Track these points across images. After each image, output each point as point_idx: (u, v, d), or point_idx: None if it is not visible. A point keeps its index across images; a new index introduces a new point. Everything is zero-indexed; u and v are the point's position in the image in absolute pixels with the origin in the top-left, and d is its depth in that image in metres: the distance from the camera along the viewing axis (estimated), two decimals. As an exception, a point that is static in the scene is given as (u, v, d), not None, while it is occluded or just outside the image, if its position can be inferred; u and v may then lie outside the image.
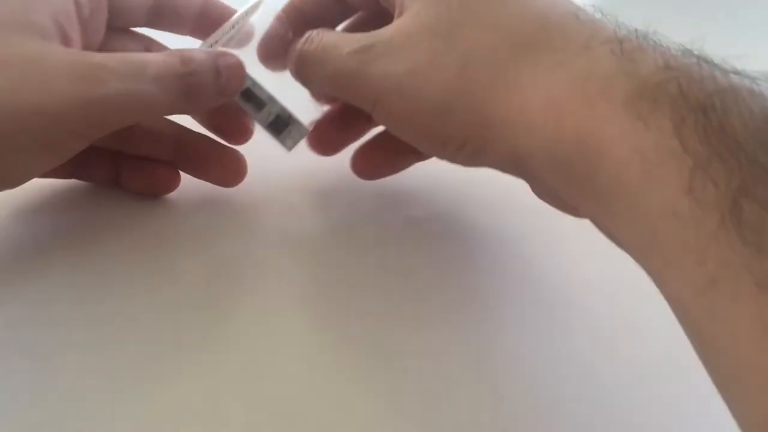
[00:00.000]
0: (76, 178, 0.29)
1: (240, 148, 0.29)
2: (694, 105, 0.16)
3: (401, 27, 0.23)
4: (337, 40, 0.25)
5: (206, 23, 0.29)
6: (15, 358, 0.22)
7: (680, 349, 0.17)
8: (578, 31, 0.20)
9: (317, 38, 0.25)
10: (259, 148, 0.29)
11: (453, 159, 0.23)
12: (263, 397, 0.22)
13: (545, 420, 0.22)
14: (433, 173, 0.30)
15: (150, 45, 0.30)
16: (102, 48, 0.28)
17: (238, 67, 0.26)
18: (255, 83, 0.27)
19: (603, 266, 0.26)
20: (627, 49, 0.19)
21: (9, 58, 0.21)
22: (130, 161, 0.29)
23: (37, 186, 0.28)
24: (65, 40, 0.24)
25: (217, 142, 0.29)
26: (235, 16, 0.28)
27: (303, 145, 0.29)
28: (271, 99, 0.27)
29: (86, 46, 0.26)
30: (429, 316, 0.25)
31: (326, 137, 0.29)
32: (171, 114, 0.27)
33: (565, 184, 0.20)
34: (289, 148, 0.28)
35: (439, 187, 0.31)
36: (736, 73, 0.17)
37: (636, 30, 0.20)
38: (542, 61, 0.20)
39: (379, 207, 0.30)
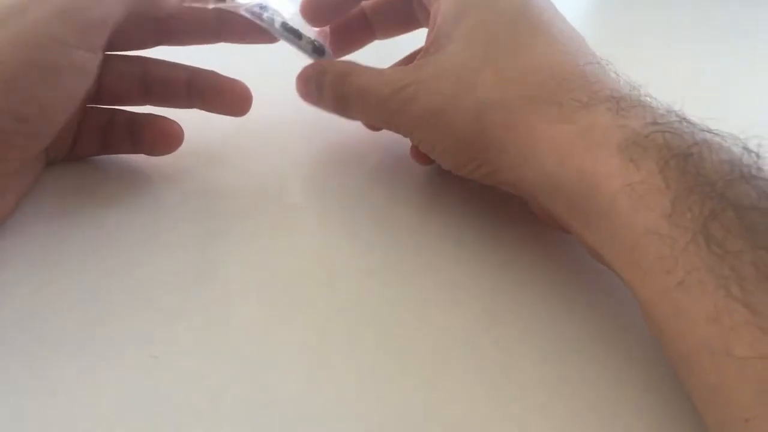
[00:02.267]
0: (105, 153, 0.32)
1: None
2: (676, 153, 0.20)
3: (431, 68, 0.27)
4: (372, 81, 0.28)
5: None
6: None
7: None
8: (582, 87, 0.24)
9: (356, 80, 0.29)
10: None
11: (469, 176, 0.27)
12: (266, 395, 0.21)
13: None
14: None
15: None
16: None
17: None
18: (286, 18, 0.32)
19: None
20: (622, 107, 0.23)
21: None
22: (143, 124, 0.31)
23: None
24: None
25: (224, 75, 0.32)
26: None
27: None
28: (304, 26, 0.32)
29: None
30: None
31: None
32: (153, 13, 0.29)
33: (561, 208, 0.23)
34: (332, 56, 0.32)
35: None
36: (709, 131, 0.21)
37: (630, 87, 0.24)
38: (548, 114, 0.24)
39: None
